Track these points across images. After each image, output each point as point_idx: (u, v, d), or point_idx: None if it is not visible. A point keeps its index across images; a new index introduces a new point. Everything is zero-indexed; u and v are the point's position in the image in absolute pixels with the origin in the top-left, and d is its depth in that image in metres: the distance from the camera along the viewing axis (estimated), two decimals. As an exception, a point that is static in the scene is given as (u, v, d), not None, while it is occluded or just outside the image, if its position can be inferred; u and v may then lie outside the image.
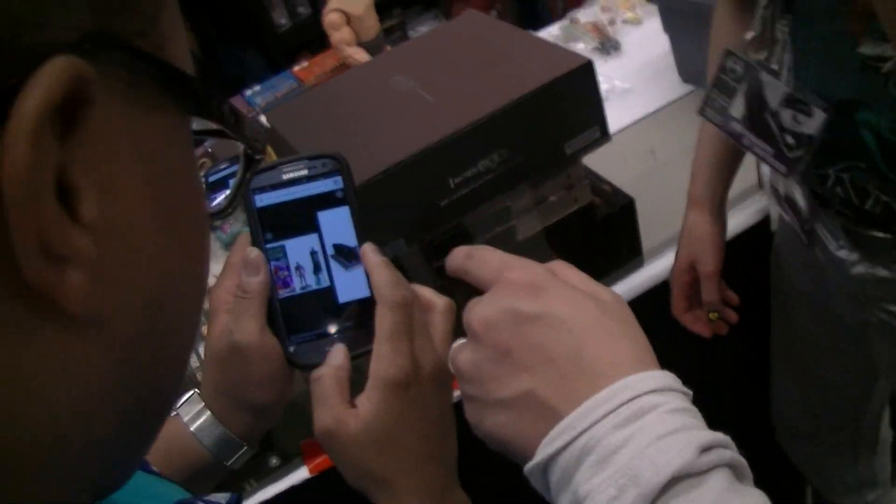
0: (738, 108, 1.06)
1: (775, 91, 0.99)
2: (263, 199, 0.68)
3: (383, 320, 0.63)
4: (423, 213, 1.13)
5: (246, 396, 0.68)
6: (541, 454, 0.50)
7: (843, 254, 1.15)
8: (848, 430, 1.58)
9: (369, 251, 0.67)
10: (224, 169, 0.50)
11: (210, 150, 1.60)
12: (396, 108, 1.20)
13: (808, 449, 1.66)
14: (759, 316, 1.47)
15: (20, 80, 0.24)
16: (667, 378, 0.51)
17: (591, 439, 0.48)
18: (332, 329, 0.68)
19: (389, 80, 1.26)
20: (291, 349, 0.67)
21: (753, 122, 1.05)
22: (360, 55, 1.89)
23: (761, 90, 1.02)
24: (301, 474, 1.26)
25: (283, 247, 0.68)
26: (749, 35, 1.05)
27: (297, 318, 0.68)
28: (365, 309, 0.67)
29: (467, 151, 1.11)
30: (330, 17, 1.90)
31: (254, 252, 0.67)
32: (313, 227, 0.68)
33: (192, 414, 0.70)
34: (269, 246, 0.68)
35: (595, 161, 1.31)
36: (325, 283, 0.68)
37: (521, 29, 1.35)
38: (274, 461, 1.27)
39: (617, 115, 1.39)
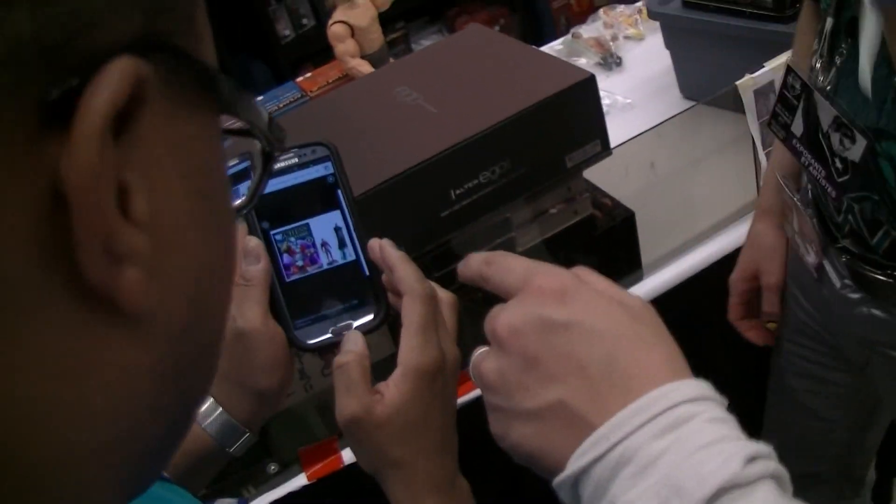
0: (798, 125, 1.06)
1: (826, 113, 0.99)
2: None
3: (413, 312, 0.64)
4: (424, 224, 1.14)
5: (250, 382, 0.69)
6: (572, 466, 0.48)
7: (846, 292, 1.15)
8: (836, 471, 1.55)
9: (387, 245, 0.68)
10: (234, 166, 0.51)
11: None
12: (399, 120, 1.21)
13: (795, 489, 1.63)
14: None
15: (81, 82, 0.24)
16: (703, 387, 0.49)
17: (627, 450, 0.46)
18: (332, 310, 0.70)
19: (393, 92, 1.27)
20: (295, 333, 0.69)
21: (810, 142, 1.04)
22: (364, 67, 1.91)
23: (816, 110, 1.02)
24: (299, 481, 1.26)
25: (292, 230, 0.70)
26: (814, 58, 1.04)
27: (298, 301, 0.69)
28: (360, 290, 0.70)
29: (469, 163, 1.12)
30: (334, 29, 1.92)
31: (253, 241, 0.68)
32: (317, 210, 0.70)
33: None
34: (273, 233, 0.70)
35: (596, 174, 1.32)
36: (324, 265, 0.70)
37: (525, 43, 1.36)
38: (272, 468, 1.27)
39: (618, 130, 1.40)
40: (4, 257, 0.24)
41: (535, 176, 1.19)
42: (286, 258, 0.69)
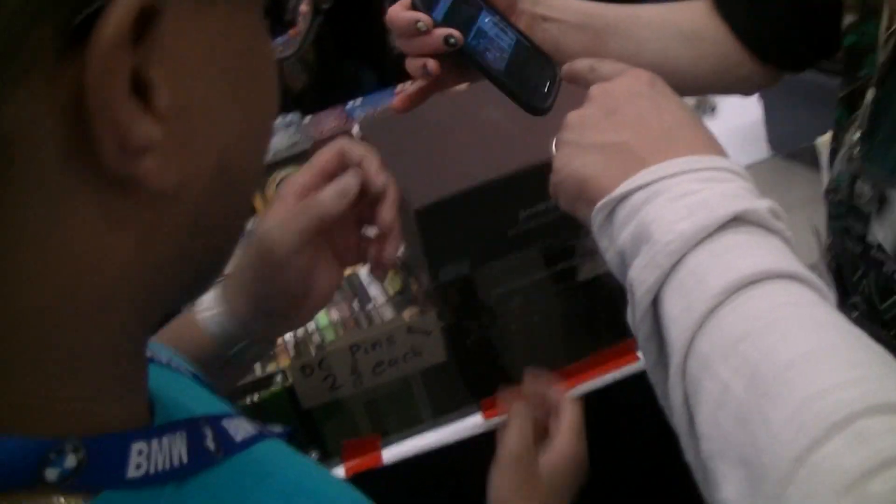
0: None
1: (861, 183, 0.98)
2: None
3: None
4: (488, 240, 1.16)
5: (263, 293, 0.68)
6: (620, 189, 0.55)
7: None
8: None
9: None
10: None
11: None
12: (480, 135, 1.23)
13: None
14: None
15: (101, 7, 0.28)
16: (746, 173, 0.56)
17: (668, 183, 0.54)
18: (537, 75, 0.77)
19: (481, 108, 1.29)
20: (534, 103, 0.76)
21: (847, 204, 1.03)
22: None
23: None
24: (336, 473, 1.26)
25: (476, 32, 0.74)
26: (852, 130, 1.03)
27: (518, 77, 0.76)
28: (537, 56, 0.79)
29: (541, 186, 1.13)
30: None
31: (349, 177, 0.70)
32: (474, 15, 0.75)
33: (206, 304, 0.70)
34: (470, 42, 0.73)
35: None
36: (509, 47, 0.76)
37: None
38: (313, 455, 1.30)
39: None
40: (43, 153, 0.29)
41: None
42: (489, 56, 0.74)
